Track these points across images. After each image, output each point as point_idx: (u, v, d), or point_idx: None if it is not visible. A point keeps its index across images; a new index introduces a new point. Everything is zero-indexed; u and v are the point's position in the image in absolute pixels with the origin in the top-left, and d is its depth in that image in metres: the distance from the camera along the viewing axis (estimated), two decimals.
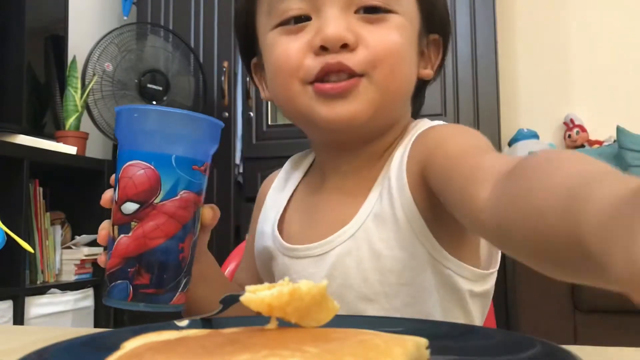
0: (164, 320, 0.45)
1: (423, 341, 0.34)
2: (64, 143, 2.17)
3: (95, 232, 2.06)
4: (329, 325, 0.37)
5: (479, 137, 0.56)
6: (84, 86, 2.33)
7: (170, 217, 0.50)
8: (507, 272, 2.13)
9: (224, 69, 2.58)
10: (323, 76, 0.58)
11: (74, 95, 2.29)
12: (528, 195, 0.34)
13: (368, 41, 0.57)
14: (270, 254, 0.67)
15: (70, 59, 2.35)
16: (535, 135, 2.80)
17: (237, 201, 2.52)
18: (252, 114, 2.52)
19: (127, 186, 0.51)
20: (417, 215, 0.58)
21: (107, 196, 0.54)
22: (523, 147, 2.72)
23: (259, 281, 0.70)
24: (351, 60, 0.57)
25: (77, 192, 2.24)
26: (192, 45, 2.63)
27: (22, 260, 1.85)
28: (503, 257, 0.62)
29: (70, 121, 2.27)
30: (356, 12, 0.59)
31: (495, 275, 0.64)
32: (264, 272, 0.70)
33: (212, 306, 0.50)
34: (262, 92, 0.68)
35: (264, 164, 2.35)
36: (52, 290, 1.99)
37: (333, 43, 0.56)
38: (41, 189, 2.05)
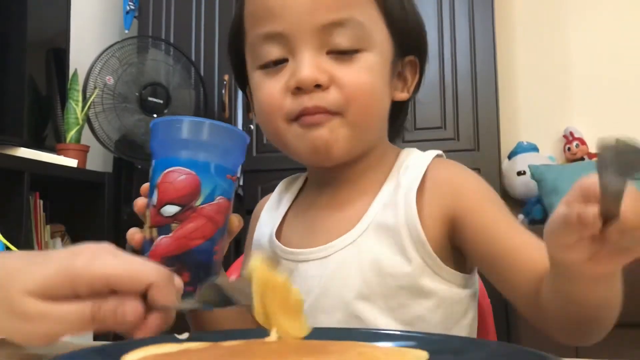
0: (164, 333, 0.45)
1: (423, 354, 0.34)
2: (65, 156, 2.17)
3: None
4: (330, 337, 0.37)
5: (498, 199, 0.66)
6: (85, 99, 2.34)
7: (209, 220, 0.53)
8: None
9: (225, 82, 2.59)
10: (302, 116, 0.63)
11: (75, 108, 2.30)
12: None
13: (340, 81, 0.62)
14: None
15: (71, 72, 2.36)
16: (535, 148, 2.80)
17: (238, 213, 2.52)
18: (252, 126, 2.53)
19: (167, 190, 0.54)
20: (422, 237, 0.63)
21: (141, 202, 0.57)
22: (522, 160, 2.72)
23: None
24: (325, 100, 0.62)
25: (77, 205, 2.24)
26: (193, 58, 2.64)
27: None
28: None
29: (71, 134, 2.27)
30: (328, 52, 0.63)
31: (477, 276, 0.71)
32: None
33: (220, 318, 0.53)
34: (252, 112, 0.73)
35: (264, 176, 2.36)
36: None
37: (307, 84, 0.61)
38: (41, 202, 2.05)
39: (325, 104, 0.62)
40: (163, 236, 0.53)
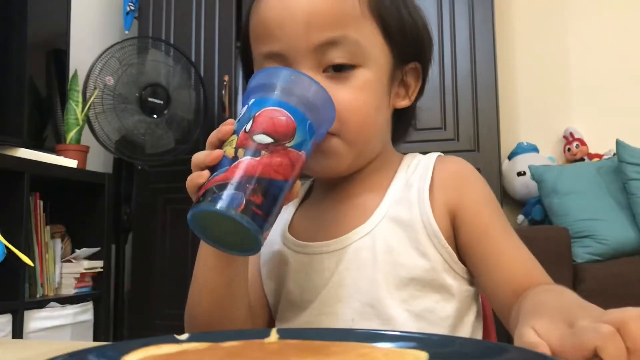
0: (164, 333, 0.45)
1: (423, 355, 0.34)
2: (65, 156, 2.17)
3: (95, 246, 2.05)
4: (330, 338, 0.37)
5: (496, 203, 0.69)
6: (85, 100, 2.34)
7: (291, 164, 0.55)
8: None
9: (225, 83, 2.59)
10: None
11: (75, 109, 2.30)
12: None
13: (335, 102, 0.62)
14: (282, 257, 0.71)
15: (71, 72, 2.36)
16: (535, 149, 2.80)
17: None
18: None
19: (266, 122, 0.55)
20: (438, 232, 0.65)
21: (228, 127, 0.56)
22: (522, 161, 2.72)
23: (256, 287, 0.74)
24: None
25: (77, 206, 2.24)
26: (193, 59, 2.64)
27: (21, 274, 1.85)
28: None
29: (71, 135, 2.28)
30: (325, 70, 0.64)
31: None
32: (273, 277, 0.73)
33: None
34: None
35: None
36: (52, 303, 1.98)
37: None
38: (41, 202, 2.05)
39: None
40: (251, 157, 0.53)
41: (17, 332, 1.80)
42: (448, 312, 0.66)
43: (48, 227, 2.08)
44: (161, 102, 2.43)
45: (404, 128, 0.77)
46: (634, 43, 2.83)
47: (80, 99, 2.32)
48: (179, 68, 2.50)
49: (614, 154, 2.45)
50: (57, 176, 2.05)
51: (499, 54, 2.50)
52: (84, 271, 2.14)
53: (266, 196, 0.52)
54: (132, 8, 2.77)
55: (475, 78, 2.43)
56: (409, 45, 0.69)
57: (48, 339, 1.91)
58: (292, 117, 0.56)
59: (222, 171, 0.52)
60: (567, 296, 0.51)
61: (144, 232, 2.60)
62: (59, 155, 2.18)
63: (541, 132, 2.87)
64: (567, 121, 2.85)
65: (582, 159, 2.75)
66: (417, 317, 0.65)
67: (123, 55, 2.45)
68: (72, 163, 2.15)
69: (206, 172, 0.54)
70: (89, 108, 2.34)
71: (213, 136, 0.57)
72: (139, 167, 2.53)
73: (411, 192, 0.68)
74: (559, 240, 2.18)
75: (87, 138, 2.37)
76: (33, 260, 1.94)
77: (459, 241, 0.67)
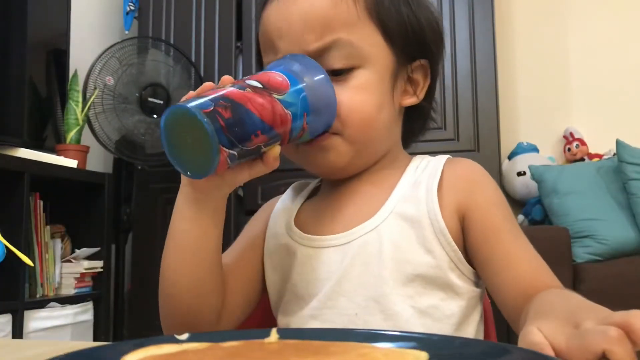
0: (163, 334, 0.45)
1: (423, 355, 0.34)
2: (65, 156, 2.17)
3: (95, 246, 2.05)
4: (330, 338, 0.37)
5: (507, 207, 0.69)
6: (85, 100, 2.34)
7: (273, 112, 0.58)
8: None
9: None
10: None
11: (75, 109, 2.30)
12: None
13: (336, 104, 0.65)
14: (288, 249, 0.71)
15: (71, 72, 2.36)
16: (535, 149, 2.80)
17: (238, 214, 2.53)
18: None
19: (262, 76, 0.60)
20: (445, 230, 0.65)
21: (228, 77, 0.61)
22: (522, 161, 2.72)
23: (243, 268, 0.74)
24: None
25: (77, 206, 2.24)
26: (193, 59, 2.64)
27: (21, 274, 1.85)
28: None
29: (71, 135, 2.28)
30: None
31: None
32: (278, 269, 0.73)
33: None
34: None
35: (264, 177, 2.35)
36: (52, 303, 1.98)
37: None
38: (41, 202, 2.05)
39: None
40: (234, 87, 0.58)
41: (17, 332, 1.80)
42: (453, 310, 0.66)
43: (48, 227, 2.08)
44: (161, 102, 2.43)
45: (416, 127, 0.77)
46: (634, 43, 2.83)
47: (80, 99, 2.32)
48: (179, 68, 2.50)
49: (614, 154, 2.45)
50: (57, 176, 2.05)
51: (499, 54, 2.50)
52: (84, 271, 2.14)
53: (235, 116, 0.55)
54: (132, 8, 2.77)
55: (475, 78, 2.43)
56: (411, 44, 0.69)
57: (48, 339, 1.91)
58: (287, 80, 0.60)
59: (209, 94, 0.56)
60: (574, 298, 0.51)
61: (144, 232, 2.60)
62: (59, 155, 2.18)
63: (541, 132, 2.87)
64: (567, 121, 2.85)
65: (582, 159, 2.76)
66: (422, 314, 0.65)
67: (123, 55, 2.45)
68: (72, 163, 2.15)
69: (193, 92, 0.59)
70: (89, 108, 2.34)
71: (217, 83, 0.61)
72: (139, 167, 2.53)
73: (419, 190, 0.68)
74: (559, 240, 2.18)
75: (87, 138, 2.37)
76: (33, 260, 1.94)
77: (467, 242, 0.67)
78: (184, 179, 0.64)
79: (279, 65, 0.63)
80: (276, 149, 0.61)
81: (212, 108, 0.54)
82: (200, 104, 0.54)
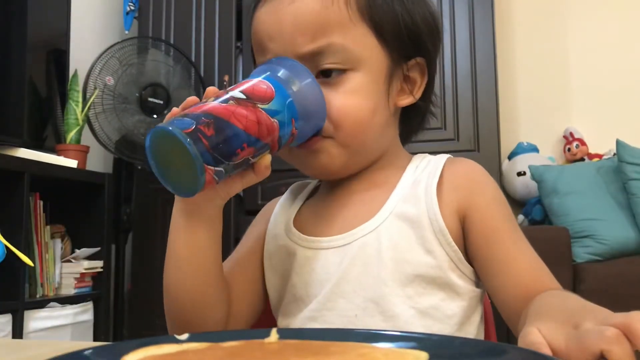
0: (164, 333, 0.45)
1: (423, 355, 0.34)
2: (65, 156, 2.17)
3: (95, 246, 2.05)
4: (330, 338, 0.37)
5: (508, 208, 0.69)
6: (85, 100, 2.34)
7: (258, 123, 0.56)
8: None
9: (225, 83, 2.59)
10: None
11: (75, 109, 2.30)
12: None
13: (328, 108, 0.64)
14: (288, 251, 0.71)
15: (71, 72, 2.36)
16: (535, 149, 2.80)
17: (237, 214, 2.53)
18: None
19: (245, 85, 0.59)
20: (444, 229, 0.65)
21: (214, 88, 0.61)
22: (522, 161, 2.72)
23: (246, 275, 0.74)
24: None
25: (77, 206, 2.24)
26: (193, 59, 2.64)
27: (21, 274, 1.85)
28: None
29: (71, 135, 2.28)
30: (316, 77, 0.64)
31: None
32: (277, 271, 0.73)
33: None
34: None
35: None
36: (52, 303, 1.98)
37: None
38: (41, 202, 2.05)
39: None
40: (216, 101, 0.56)
41: (17, 332, 1.80)
42: (454, 311, 0.65)
43: (48, 227, 2.08)
44: (161, 102, 2.43)
45: (415, 125, 0.76)
46: (634, 43, 2.83)
47: (80, 99, 2.32)
48: (179, 68, 2.50)
49: (614, 154, 2.45)
50: (57, 176, 2.05)
51: (499, 54, 2.50)
52: (84, 271, 2.14)
53: (218, 133, 0.54)
54: (132, 8, 2.77)
55: (475, 78, 2.43)
56: (406, 43, 0.68)
57: (48, 339, 1.91)
58: (272, 88, 0.59)
59: (191, 110, 0.55)
60: (574, 300, 0.51)
61: (144, 232, 2.60)
62: (59, 155, 2.18)
63: (541, 132, 2.87)
64: (567, 121, 2.85)
65: (582, 159, 2.75)
66: (422, 314, 0.64)
67: (123, 55, 2.45)
68: (72, 163, 2.15)
69: (176, 110, 0.58)
70: (89, 108, 2.34)
71: (204, 95, 0.60)
72: (139, 167, 2.53)
73: (418, 189, 0.67)
74: (559, 240, 2.18)
75: (87, 138, 2.37)
76: (33, 260, 1.94)
77: (467, 243, 0.66)
78: None
79: (265, 72, 0.62)
80: (267, 158, 0.61)
81: (193, 127, 0.53)
82: (181, 124, 0.53)
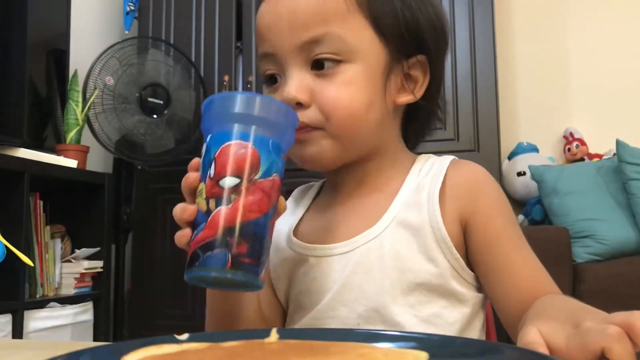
0: (164, 333, 0.45)
1: (423, 355, 0.34)
2: (65, 156, 2.17)
3: (95, 246, 2.04)
4: (330, 338, 0.37)
5: (511, 213, 0.68)
6: (85, 100, 2.34)
7: (265, 195, 0.53)
8: None
9: (225, 83, 2.59)
10: None
11: (75, 109, 2.30)
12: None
13: (319, 99, 0.64)
14: (290, 260, 0.71)
15: (71, 72, 2.36)
16: (535, 149, 2.80)
17: None
18: None
19: (226, 163, 0.53)
20: (447, 238, 0.65)
21: (194, 176, 0.55)
22: (522, 161, 2.72)
23: (267, 294, 0.74)
24: (306, 117, 0.64)
25: (77, 206, 2.24)
26: (193, 59, 2.65)
27: (21, 274, 1.85)
28: None
29: (71, 135, 2.28)
30: (313, 67, 0.64)
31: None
32: (283, 280, 0.73)
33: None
34: None
35: None
36: (52, 303, 1.98)
37: (289, 104, 0.63)
38: (41, 202, 2.05)
39: (307, 120, 0.64)
40: (222, 207, 0.52)
41: (17, 332, 1.80)
42: (456, 318, 0.65)
43: (48, 227, 2.08)
44: (161, 102, 2.43)
45: (418, 127, 0.75)
46: (634, 43, 2.83)
47: (80, 99, 2.32)
48: (179, 68, 2.50)
49: (614, 154, 2.45)
50: (57, 176, 2.05)
51: (499, 54, 2.50)
52: (84, 271, 2.14)
53: (250, 241, 0.51)
54: (132, 8, 2.77)
55: (475, 78, 2.43)
56: (406, 39, 0.67)
57: (48, 339, 1.91)
58: (252, 146, 0.53)
59: (200, 229, 0.52)
60: (574, 302, 0.52)
61: (144, 232, 2.60)
62: (59, 155, 2.18)
63: (541, 132, 2.87)
64: (567, 121, 2.85)
65: (582, 159, 2.75)
66: (424, 322, 0.64)
67: (123, 55, 2.45)
68: (72, 163, 2.15)
69: (187, 231, 0.54)
70: (89, 108, 2.34)
71: (184, 187, 0.56)
72: (139, 167, 2.53)
73: (421, 195, 0.67)
74: (559, 240, 2.18)
75: (87, 138, 2.37)
76: (33, 260, 1.94)
77: (469, 248, 0.66)
78: None
79: (222, 121, 0.55)
80: (281, 202, 0.58)
81: (229, 258, 0.51)
82: (217, 262, 0.51)
